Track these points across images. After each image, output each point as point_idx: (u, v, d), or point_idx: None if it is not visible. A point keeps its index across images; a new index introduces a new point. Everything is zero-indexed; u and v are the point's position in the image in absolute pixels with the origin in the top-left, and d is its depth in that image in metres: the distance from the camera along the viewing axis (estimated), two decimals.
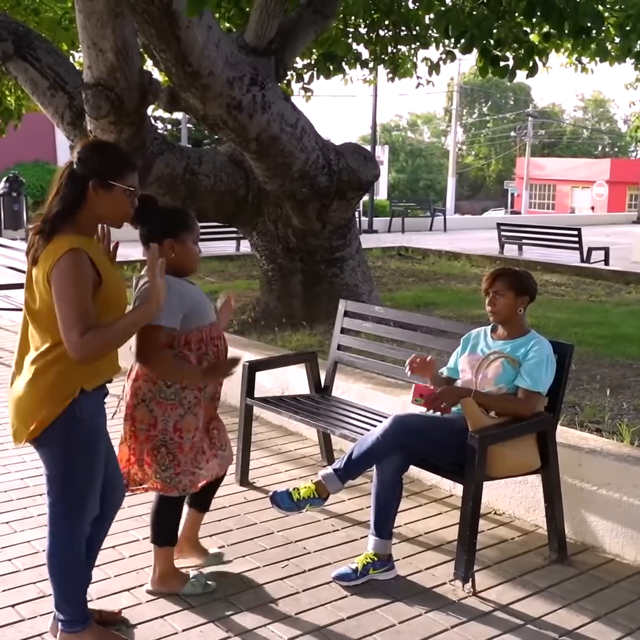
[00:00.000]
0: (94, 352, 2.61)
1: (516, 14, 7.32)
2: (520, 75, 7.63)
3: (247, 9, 7.98)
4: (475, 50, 6.85)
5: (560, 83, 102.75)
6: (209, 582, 3.39)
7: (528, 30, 7.82)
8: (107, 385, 2.91)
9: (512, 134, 56.75)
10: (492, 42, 6.83)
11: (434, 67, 9.46)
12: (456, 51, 8.55)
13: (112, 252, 2.97)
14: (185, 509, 3.47)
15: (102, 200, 2.70)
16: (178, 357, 3.11)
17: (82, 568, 2.93)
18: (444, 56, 9.18)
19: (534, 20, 6.88)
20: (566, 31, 6.41)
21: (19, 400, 2.74)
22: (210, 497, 3.55)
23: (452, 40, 7.01)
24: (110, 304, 2.71)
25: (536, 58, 7.47)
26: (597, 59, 8.26)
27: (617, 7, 7.52)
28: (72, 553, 2.87)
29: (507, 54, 7.50)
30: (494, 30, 6.79)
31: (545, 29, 7.55)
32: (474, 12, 6.54)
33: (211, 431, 3.33)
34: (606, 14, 7.48)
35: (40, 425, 2.69)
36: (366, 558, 3.49)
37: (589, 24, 6.31)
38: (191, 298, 3.15)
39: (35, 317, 2.72)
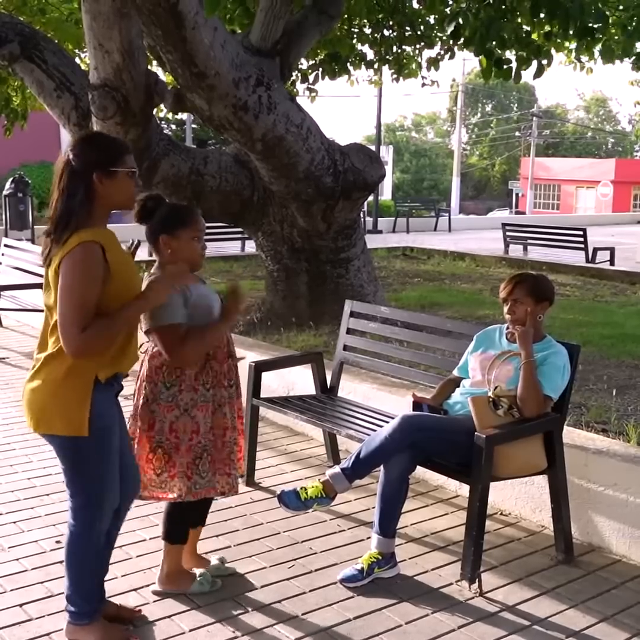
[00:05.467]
0: (91, 347, 2.66)
1: (518, 14, 7.30)
2: (526, 76, 7.60)
3: (253, 10, 7.99)
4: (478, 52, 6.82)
5: (564, 83, 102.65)
6: (216, 580, 3.40)
7: (530, 30, 7.79)
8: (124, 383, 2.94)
9: (517, 134, 56.66)
10: (495, 43, 6.80)
11: (433, 63, 9.48)
12: (455, 48, 8.57)
13: (132, 250, 3.01)
14: None
15: (109, 188, 2.75)
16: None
17: (98, 561, 2.96)
18: (442, 52, 9.18)
19: (538, 19, 6.84)
20: (571, 32, 6.39)
21: (35, 391, 2.76)
22: (205, 511, 3.49)
23: (461, 41, 6.97)
24: (122, 297, 2.74)
25: (541, 59, 7.44)
26: (598, 57, 8.22)
27: (620, 7, 7.51)
28: (90, 545, 2.91)
29: (511, 55, 7.48)
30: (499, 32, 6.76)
31: (547, 28, 7.53)
32: (481, 13, 6.51)
33: (231, 446, 3.30)
34: (608, 14, 7.45)
35: (83, 420, 2.71)
36: (371, 557, 3.50)
37: (593, 25, 6.28)
38: (196, 296, 3.15)
39: (51, 315, 2.76)
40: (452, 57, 9.17)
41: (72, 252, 2.63)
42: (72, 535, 2.90)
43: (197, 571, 3.42)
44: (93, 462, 2.81)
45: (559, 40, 8.29)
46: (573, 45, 8.66)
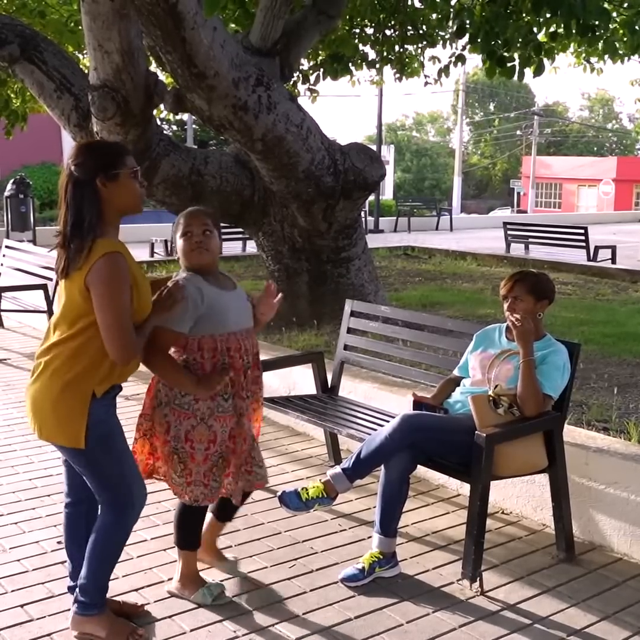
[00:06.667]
0: (136, 354, 2.79)
1: (523, 13, 7.29)
2: (527, 75, 7.58)
3: (252, 10, 7.99)
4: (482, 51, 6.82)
5: (566, 81, 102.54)
6: (222, 594, 3.30)
7: (535, 29, 7.78)
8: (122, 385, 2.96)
9: (518, 132, 56.60)
10: (499, 42, 6.80)
11: (444, 70, 9.37)
12: (465, 52, 8.54)
13: None
14: (208, 514, 3.44)
15: (114, 191, 2.76)
16: (192, 362, 3.10)
17: (119, 556, 3.00)
18: (453, 59, 9.12)
19: (542, 17, 6.83)
20: (573, 30, 6.38)
21: (36, 400, 2.79)
22: (233, 509, 3.48)
23: (466, 39, 6.96)
24: (140, 307, 2.79)
25: (543, 57, 7.43)
26: (606, 56, 8.19)
27: (625, 4, 7.50)
28: (118, 538, 2.95)
29: (514, 54, 7.47)
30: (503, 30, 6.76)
31: (552, 29, 7.52)
32: (484, 12, 6.52)
33: (248, 451, 3.27)
34: (614, 13, 7.45)
35: (80, 434, 2.74)
36: (372, 557, 3.50)
37: (595, 22, 6.28)
38: (208, 303, 3.11)
39: (57, 324, 2.78)
40: (463, 63, 9.11)
41: (98, 265, 2.65)
42: (103, 526, 2.92)
43: (208, 580, 3.35)
44: (105, 465, 2.84)
45: (564, 41, 8.28)
46: (578, 45, 8.66)
